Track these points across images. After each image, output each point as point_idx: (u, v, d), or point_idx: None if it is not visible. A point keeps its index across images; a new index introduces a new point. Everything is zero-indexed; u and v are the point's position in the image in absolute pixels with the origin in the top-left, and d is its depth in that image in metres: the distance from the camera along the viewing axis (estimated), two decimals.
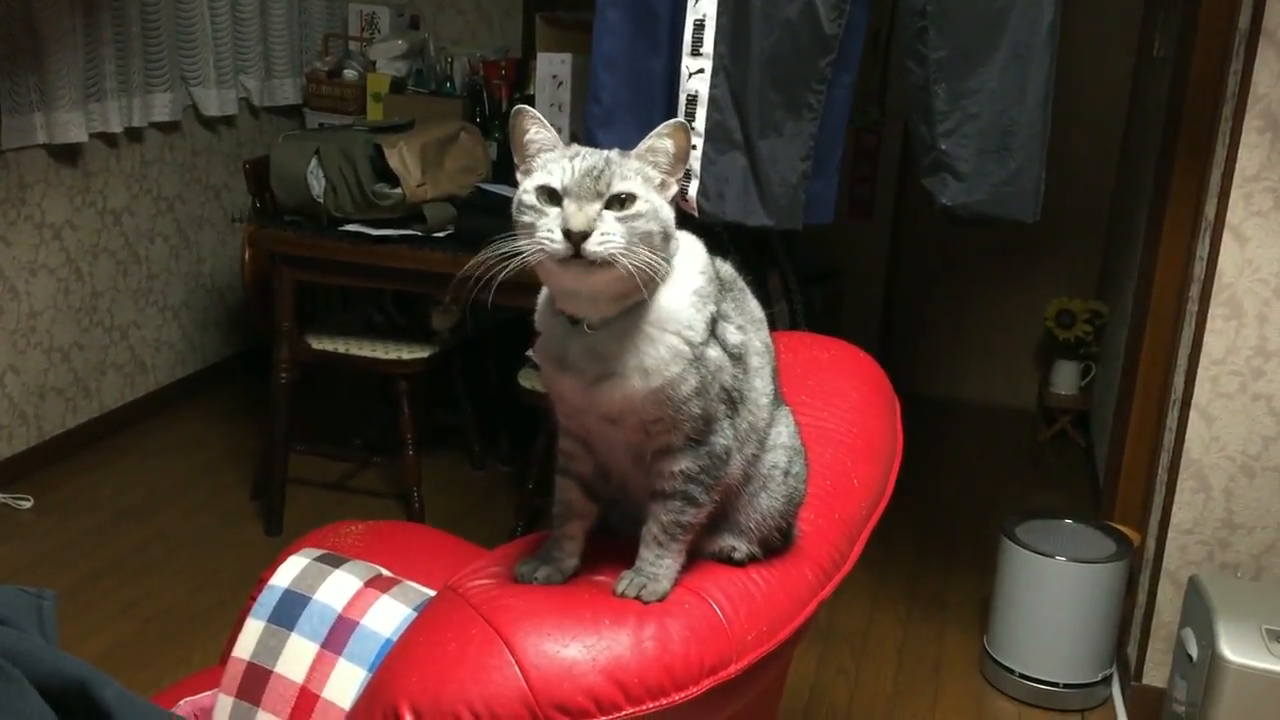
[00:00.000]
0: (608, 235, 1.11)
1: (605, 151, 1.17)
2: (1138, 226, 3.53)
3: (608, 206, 1.12)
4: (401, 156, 3.23)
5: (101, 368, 4.05)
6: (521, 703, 1.07)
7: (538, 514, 3.39)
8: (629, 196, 1.13)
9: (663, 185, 1.18)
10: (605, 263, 1.11)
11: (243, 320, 4.62)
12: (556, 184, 1.13)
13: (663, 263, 1.15)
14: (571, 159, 1.15)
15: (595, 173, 1.12)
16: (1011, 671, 2.90)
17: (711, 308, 1.21)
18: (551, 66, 3.69)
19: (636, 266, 1.11)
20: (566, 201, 1.12)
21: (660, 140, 1.18)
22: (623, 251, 1.11)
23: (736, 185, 2.58)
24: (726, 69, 2.55)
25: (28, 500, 3.57)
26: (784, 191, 2.58)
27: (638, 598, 1.19)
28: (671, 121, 1.19)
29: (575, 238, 1.10)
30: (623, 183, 1.13)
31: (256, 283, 3.60)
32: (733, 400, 1.24)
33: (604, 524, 1.32)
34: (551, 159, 1.17)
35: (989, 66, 2.43)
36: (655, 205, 1.15)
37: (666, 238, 1.16)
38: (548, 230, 1.11)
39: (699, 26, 2.53)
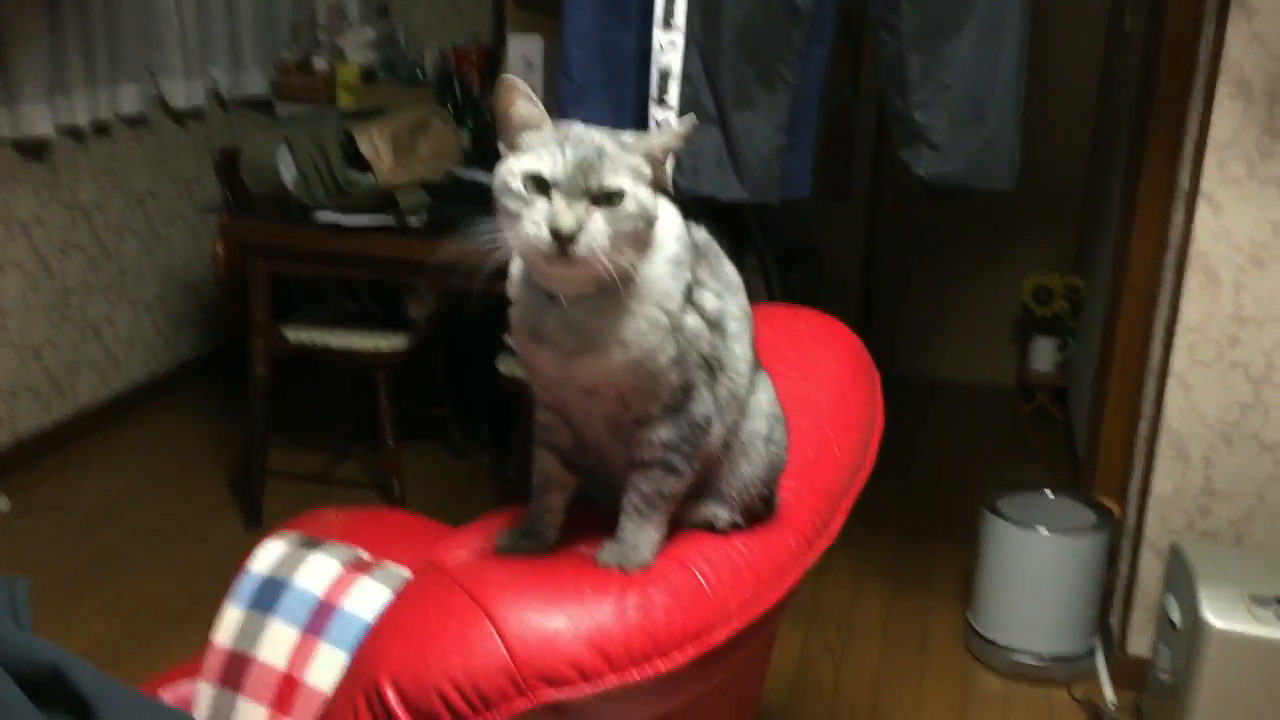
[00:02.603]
0: (594, 236, 1.08)
1: (596, 137, 1.12)
2: (1113, 199, 3.54)
3: (595, 202, 1.09)
4: (373, 142, 3.20)
5: (74, 365, 4.00)
6: (505, 674, 1.06)
7: (520, 501, 3.37)
8: (618, 193, 1.10)
9: (652, 179, 1.15)
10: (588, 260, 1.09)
11: (217, 315, 4.58)
12: (546, 173, 1.09)
13: (641, 257, 1.13)
14: (561, 145, 1.10)
15: (586, 166, 1.09)
16: (996, 645, 2.91)
17: (687, 275, 1.19)
18: (523, 48, 3.66)
19: (617, 266, 1.09)
20: (555, 196, 1.08)
21: (677, 140, 1.16)
22: (606, 251, 1.08)
23: (711, 160, 2.57)
24: (698, 41, 2.54)
25: (3, 501, 3.53)
26: (759, 165, 2.57)
27: (620, 567, 1.18)
28: (690, 121, 1.19)
29: (563, 237, 1.07)
30: (614, 178, 1.09)
31: (230, 275, 3.56)
32: (711, 368, 1.23)
33: (584, 495, 1.30)
34: (540, 141, 1.12)
35: (961, 36, 2.43)
36: (642, 201, 1.11)
37: (650, 225, 1.14)
38: (534, 224, 1.08)
39: None
